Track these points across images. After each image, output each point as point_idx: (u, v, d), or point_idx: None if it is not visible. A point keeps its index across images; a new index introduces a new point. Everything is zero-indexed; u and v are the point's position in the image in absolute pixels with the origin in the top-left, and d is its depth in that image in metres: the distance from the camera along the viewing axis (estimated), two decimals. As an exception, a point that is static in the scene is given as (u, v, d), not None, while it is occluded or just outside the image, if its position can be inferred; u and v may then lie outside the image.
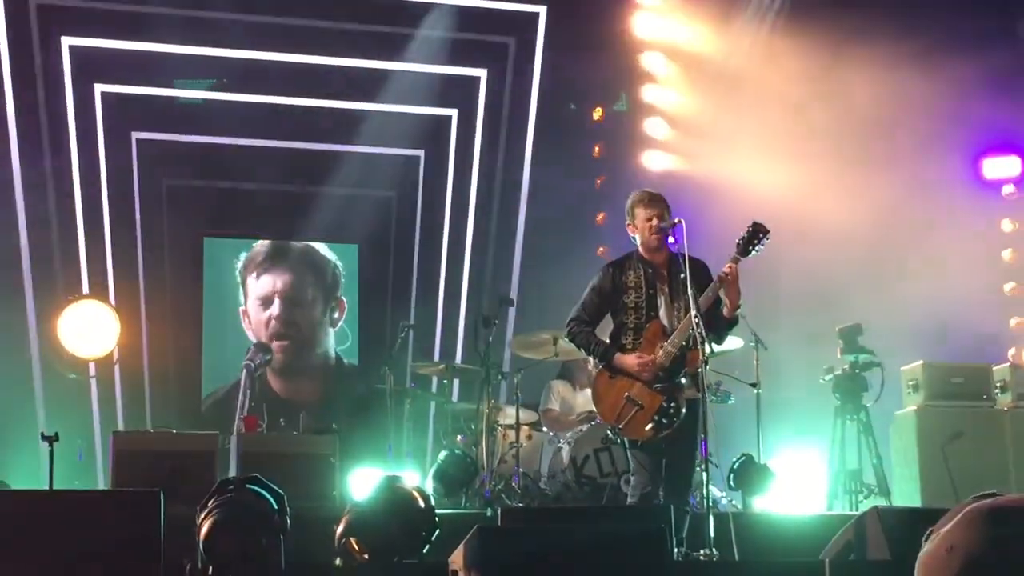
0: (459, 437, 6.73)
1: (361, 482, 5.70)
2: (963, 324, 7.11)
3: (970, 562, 1.35)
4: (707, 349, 4.45)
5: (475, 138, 8.31)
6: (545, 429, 6.73)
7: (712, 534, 4.41)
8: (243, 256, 8.23)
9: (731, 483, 6.26)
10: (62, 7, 7.49)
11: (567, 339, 4.87)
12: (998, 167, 8.00)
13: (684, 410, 4.51)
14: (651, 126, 8.47)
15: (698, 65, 8.27)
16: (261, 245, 8.22)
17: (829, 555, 4.28)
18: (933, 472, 6.25)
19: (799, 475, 6.75)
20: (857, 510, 6.08)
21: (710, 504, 4.63)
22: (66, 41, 7.46)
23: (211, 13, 7.61)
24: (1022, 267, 7.98)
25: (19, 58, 7.25)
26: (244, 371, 6.70)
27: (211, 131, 7.88)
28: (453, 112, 8.36)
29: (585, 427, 6.28)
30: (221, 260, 8.24)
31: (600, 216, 8.46)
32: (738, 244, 4.53)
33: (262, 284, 8.11)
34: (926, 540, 1.42)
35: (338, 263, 8.39)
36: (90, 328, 6.66)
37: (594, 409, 4.95)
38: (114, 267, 7.62)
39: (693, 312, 4.43)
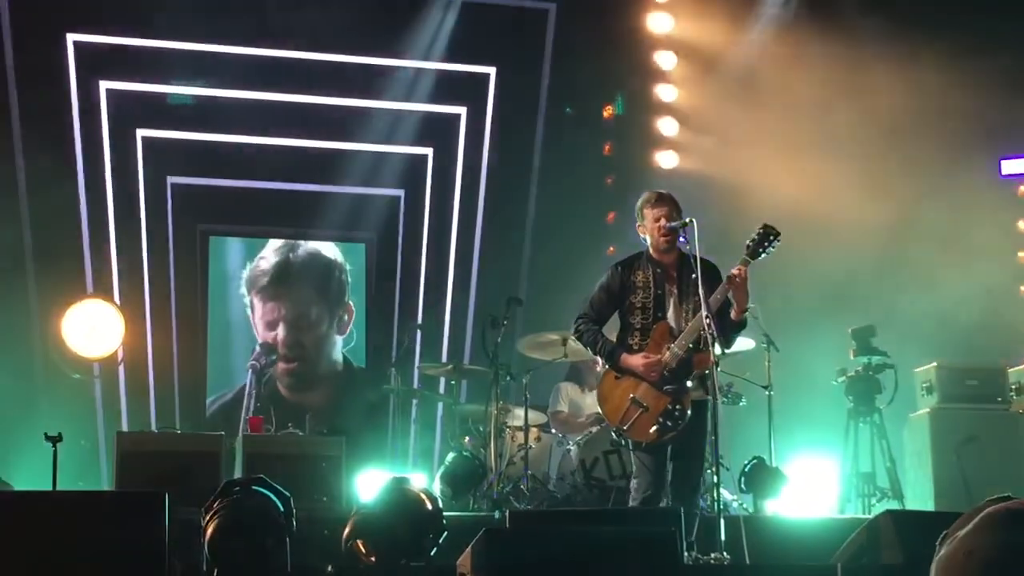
0: (467, 439, 6.69)
1: (368, 484, 5.67)
2: (978, 326, 7.04)
3: (989, 567, 1.33)
4: (717, 350, 4.42)
5: (484, 135, 8.27)
6: (554, 431, 6.68)
7: (723, 537, 4.36)
8: (248, 267, 8.16)
9: (742, 486, 6.20)
10: (67, 2, 7.48)
11: (574, 337, 4.84)
12: (1017, 167, 7.91)
13: (689, 413, 4.48)
14: (663, 125, 8.41)
15: (711, 63, 8.21)
16: (265, 263, 8.16)
17: (841, 559, 4.23)
18: (947, 475, 6.20)
19: (811, 478, 6.69)
20: (870, 514, 6.04)
21: (721, 507, 4.58)
22: (71, 37, 7.44)
23: (215, 9, 7.60)
24: (1038, 268, 7.90)
25: (23, 54, 7.23)
26: (250, 371, 6.67)
27: (217, 129, 7.85)
28: (462, 110, 8.32)
29: (594, 429, 6.23)
30: (227, 259, 8.20)
31: (610, 215, 8.42)
32: (748, 246, 4.50)
33: (267, 310, 8.07)
34: (940, 544, 1.41)
35: (345, 265, 8.33)
36: (95, 328, 6.65)
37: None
38: (119, 266, 7.60)
39: (704, 312, 4.39)
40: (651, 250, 4.64)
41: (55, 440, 4.16)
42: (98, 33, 7.51)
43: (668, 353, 4.49)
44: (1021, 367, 6.68)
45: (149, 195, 7.75)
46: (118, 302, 7.14)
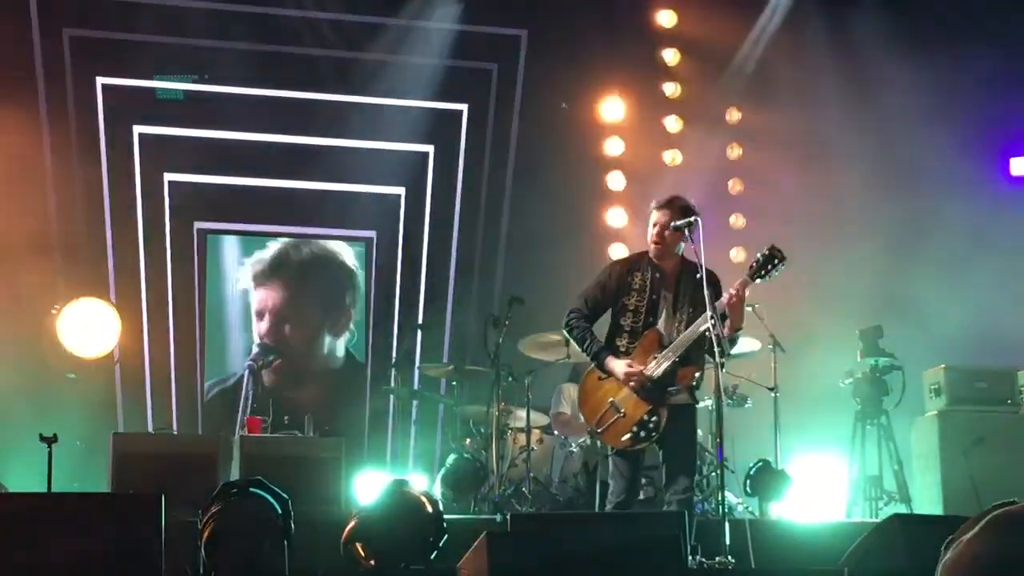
0: (468, 440, 6.63)
1: (367, 486, 5.61)
2: (987, 327, 6.96)
3: (995, 571, 1.34)
4: (725, 350, 4.39)
5: (486, 132, 8.21)
6: (556, 433, 6.62)
7: (728, 541, 4.31)
8: (253, 255, 8.10)
9: (747, 489, 6.14)
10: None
11: (564, 330, 4.82)
12: (1024, 167, 7.85)
13: (664, 425, 4.48)
14: (668, 123, 8.35)
15: (716, 60, 8.14)
16: (267, 253, 8.10)
17: (848, 564, 4.17)
18: (955, 478, 6.14)
19: (817, 481, 6.63)
20: (877, 517, 5.99)
21: (726, 510, 4.53)
22: (67, 32, 7.39)
23: (214, 4, 7.54)
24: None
25: (19, 50, 7.18)
26: (247, 371, 6.61)
27: (215, 125, 7.79)
28: (464, 107, 8.26)
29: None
30: (224, 257, 8.12)
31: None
32: (752, 267, 4.48)
33: (257, 297, 8.01)
34: (946, 548, 1.43)
35: (356, 271, 8.22)
36: (91, 327, 6.59)
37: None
38: (115, 264, 7.53)
39: (709, 314, 4.33)
40: (652, 255, 4.62)
41: (50, 441, 4.11)
42: (94, 28, 7.45)
43: (653, 363, 4.48)
44: (1031, 369, 6.61)
45: (146, 192, 7.68)
46: (114, 300, 7.07)
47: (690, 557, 4.11)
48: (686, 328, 4.45)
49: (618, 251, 7.88)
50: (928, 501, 6.29)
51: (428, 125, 8.12)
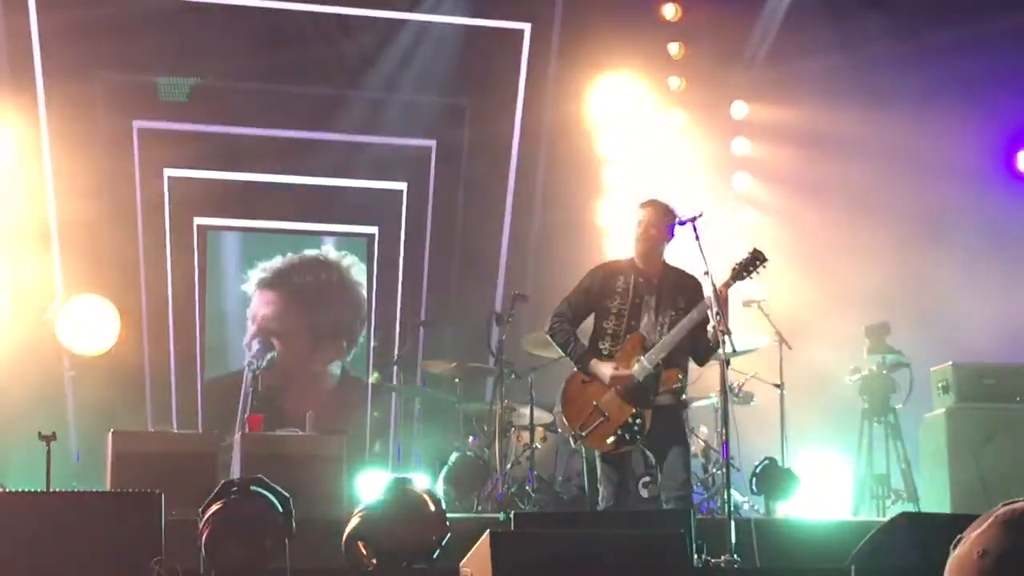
0: (471, 438, 6.59)
1: (369, 485, 5.56)
2: (996, 323, 6.90)
3: (1002, 567, 1.34)
4: (727, 348, 4.37)
5: (488, 128, 8.16)
6: (560, 431, 6.57)
7: (734, 540, 4.27)
8: (260, 266, 8.04)
9: (753, 487, 6.09)
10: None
11: (547, 334, 4.84)
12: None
13: (648, 428, 4.49)
14: (672, 117, 8.29)
15: (721, 53, 8.08)
16: (278, 260, 8.05)
17: (855, 562, 4.12)
18: (963, 477, 6.08)
19: (824, 479, 6.58)
20: (884, 516, 5.94)
21: (731, 509, 4.49)
22: (67, 25, 7.34)
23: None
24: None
25: (17, 46, 7.15)
26: (247, 369, 6.57)
27: (216, 120, 7.74)
28: (466, 102, 8.21)
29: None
30: (225, 254, 8.08)
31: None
32: (734, 268, 4.55)
33: (254, 303, 7.96)
34: (955, 547, 1.43)
35: (360, 305, 8.09)
36: (89, 324, 6.56)
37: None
38: (114, 260, 7.48)
39: (715, 310, 4.31)
40: (636, 258, 4.65)
41: (49, 439, 4.07)
42: (94, 21, 7.41)
43: (637, 366, 4.51)
44: (1040, 365, 6.55)
45: (145, 187, 7.63)
46: (113, 297, 7.02)
47: (695, 556, 4.08)
48: (668, 331, 4.50)
49: (622, 248, 7.82)
50: (936, 500, 6.24)
51: (430, 120, 8.08)
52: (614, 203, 8.27)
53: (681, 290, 4.54)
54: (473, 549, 3.60)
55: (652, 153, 8.25)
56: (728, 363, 4.53)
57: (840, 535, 4.96)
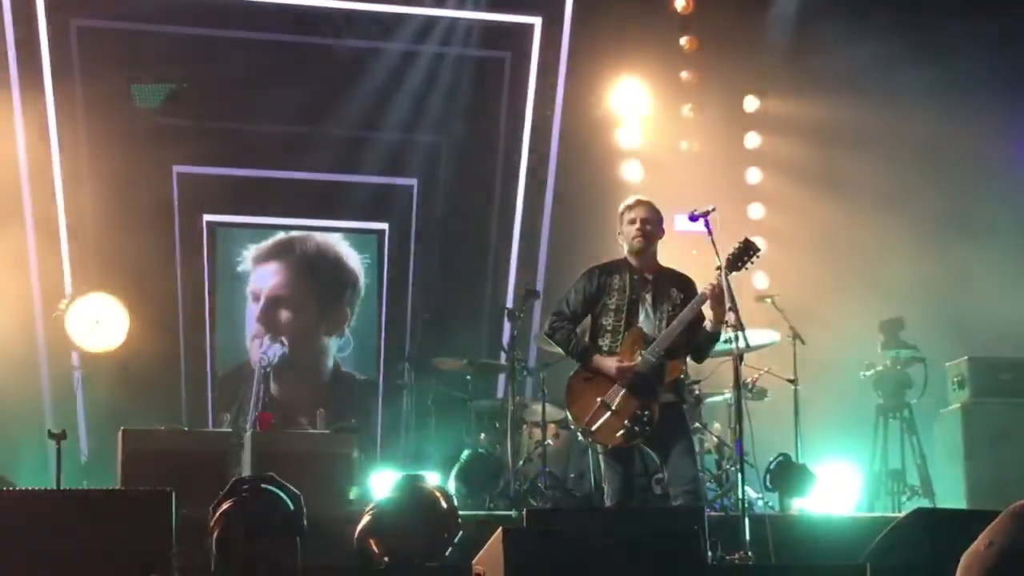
0: (483, 435, 6.57)
1: (381, 482, 5.55)
2: (1011, 318, 6.84)
3: (1007, 557, 1.37)
4: (741, 343, 4.32)
5: (499, 123, 8.13)
6: (573, 427, 6.54)
7: (748, 537, 4.25)
8: (252, 247, 8.03)
9: (768, 484, 6.05)
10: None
11: (546, 335, 4.86)
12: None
13: (657, 419, 4.49)
14: (685, 111, 8.24)
15: (734, 46, 8.03)
16: (270, 239, 8.03)
17: (870, 559, 4.09)
18: (979, 472, 6.07)
19: (839, 475, 6.54)
20: (900, 512, 5.89)
21: (745, 506, 4.46)
22: (73, 23, 7.35)
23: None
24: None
25: (26, 44, 7.15)
26: (257, 367, 6.56)
27: (223, 117, 7.73)
28: (477, 97, 8.17)
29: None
30: (233, 250, 8.07)
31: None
32: (728, 259, 4.53)
33: (255, 278, 7.93)
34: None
35: (357, 274, 8.10)
36: (100, 322, 6.56)
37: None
38: (124, 258, 7.47)
39: (728, 305, 4.29)
40: (630, 257, 4.68)
41: (59, 437, 4.06)
42: (101, 18, 7.42)
43: (640, 359, 4.50)
44: (1056, 360, 6.49)
45: (154, 184, 7.62)
46: (123, 294, 7.02)
47: (709, 552, 4.05)
48: (667, 325, 4.51)
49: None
50: (952, 495, 6.22)
51: (441, 116, 8.05)
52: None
53: (676, 285, 4.58)
54: (485, 547, 3.58)
55: (664, 147, 8.21)
56: (741, 359, 4.52)
57: (855, 531, 4.96)
